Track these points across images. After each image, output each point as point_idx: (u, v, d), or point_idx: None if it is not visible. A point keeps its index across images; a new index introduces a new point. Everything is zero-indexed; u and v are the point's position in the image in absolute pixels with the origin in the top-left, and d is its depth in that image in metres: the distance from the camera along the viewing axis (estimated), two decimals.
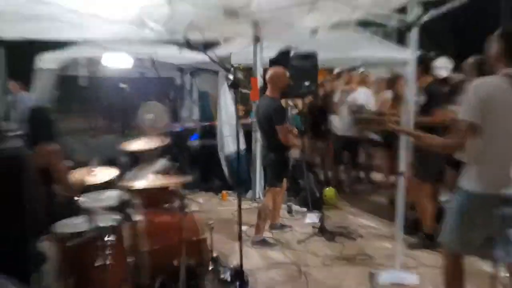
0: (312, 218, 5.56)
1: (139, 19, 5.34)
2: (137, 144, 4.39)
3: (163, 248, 3.46)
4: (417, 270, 4.08)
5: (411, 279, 3.86)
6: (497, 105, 2.63)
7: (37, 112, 3.89)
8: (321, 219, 5.12)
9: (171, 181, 3.36)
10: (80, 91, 7.64)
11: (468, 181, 2.78)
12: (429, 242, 4.53)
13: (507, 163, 2.66)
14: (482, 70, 4.35)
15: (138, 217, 3.59)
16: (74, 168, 3.89)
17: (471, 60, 4.47)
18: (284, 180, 4.93)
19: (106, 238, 2.84)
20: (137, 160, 5.66)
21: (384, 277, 3.89)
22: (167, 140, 4.68)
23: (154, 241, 3.47)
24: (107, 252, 2.84)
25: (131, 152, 5.26)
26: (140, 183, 3.51)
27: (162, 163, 3.96)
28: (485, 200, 2.71)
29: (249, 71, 6.62)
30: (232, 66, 6.94)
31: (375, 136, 6.45)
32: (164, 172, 3.83)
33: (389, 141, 5.18)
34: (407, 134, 3.78)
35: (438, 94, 4.51)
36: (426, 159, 4.32)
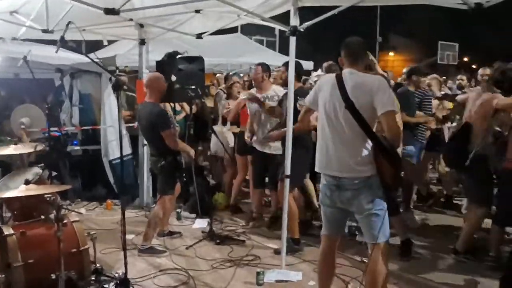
0: (201, 223, 5.55)
1: (11, 14, 4.96)
2: (9, 150, 4.04)
3: (38, 261, 3.27)
4: (300, 266, 4.31)
5: (294, 276, 4.06)
6: (324, 97, 3.14)
7: None
8: (210, 224, 5.13)
9: (46, 191, 3.14)
10: None
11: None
12: (293, 246, 4.57)
13: (330, 147, 3.09)
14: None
15: (8, 230, 3.31)
16: None
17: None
18: (178, 184, 4.83)
19: None
20: (9, 167, 5.21)
21: (270, 275, 4.04)
22: (43, 146, 4.36)
23: (28, 255, 3.25)
24: None
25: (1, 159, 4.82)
26: (11, 193, 3.24)
27: (36, 171, 3.67)
28: (327, 181, 3.13)
29: (135, 73, 6.43)
30: (116, 68, 6.73)
31: None
32: (39, 180, 3.55)
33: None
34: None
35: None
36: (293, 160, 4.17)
